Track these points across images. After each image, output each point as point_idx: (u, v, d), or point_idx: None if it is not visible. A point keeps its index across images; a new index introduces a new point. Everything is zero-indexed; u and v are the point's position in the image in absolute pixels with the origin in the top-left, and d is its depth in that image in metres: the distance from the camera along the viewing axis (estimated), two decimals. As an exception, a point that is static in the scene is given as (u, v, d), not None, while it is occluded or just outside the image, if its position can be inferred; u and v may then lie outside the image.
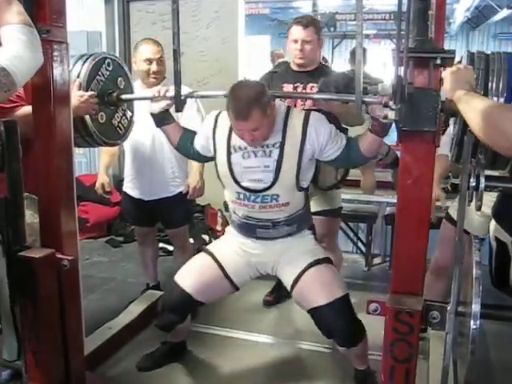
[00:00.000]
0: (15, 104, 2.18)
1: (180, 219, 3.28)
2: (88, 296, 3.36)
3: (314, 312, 2.30)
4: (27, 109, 2.18)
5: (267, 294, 3.44)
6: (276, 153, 2.24)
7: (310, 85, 2.76)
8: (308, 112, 2.28)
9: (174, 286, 2.44)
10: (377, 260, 4.46)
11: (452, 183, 2.74)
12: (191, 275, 2.44)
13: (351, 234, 4.60)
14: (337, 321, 2.26)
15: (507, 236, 1.80)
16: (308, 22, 2.84)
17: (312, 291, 2.31)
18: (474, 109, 1.36)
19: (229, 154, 2.30)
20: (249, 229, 2.41)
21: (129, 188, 3.28)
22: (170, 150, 3.06)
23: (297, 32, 2.83)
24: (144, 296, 3.28)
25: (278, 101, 2.33)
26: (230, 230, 2.55)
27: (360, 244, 4.59)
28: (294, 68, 2.91)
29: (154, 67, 2.97)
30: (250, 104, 2.09)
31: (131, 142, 3.03)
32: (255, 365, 2.82)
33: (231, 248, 2.49)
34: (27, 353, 2.03)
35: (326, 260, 2.41)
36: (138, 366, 2.71)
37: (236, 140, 2.28)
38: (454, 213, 2.58)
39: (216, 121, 2.36)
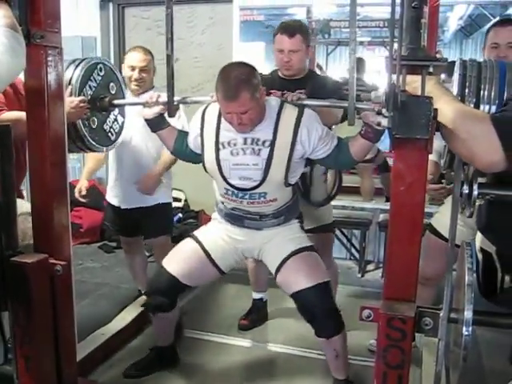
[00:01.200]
0: None
1: (155, 229, 3.17)
2: (81, 301, 3.34)
3: (297, 295, 2.35)
4: (10, 114, 2.18)
5: (242, 317, 3.32)
6: (265, 152, 2.23)
7: (298, 91, 2.57)
8: (301, 109, 2.25)
9: (161, 271, 2.50)
10: (370, 266, 4.48)
11: None
12: (178, 260, 2.49)
13: (345, 241, 4.60)
14: (319, 303, 2.30)
15: (492, 246, 1.81)
16: (295, 29, 2.70)
17: (295, 276, 2.36)
18: (440, 113, 1.39)
19: (217, 150, 2.29)
20: (237, 218, 2.44)
21: (109, 196, 3.27)
22: (151, 158, 3.05)
23: (283, 41, 2.70)
24: (137, 302, 3.27)
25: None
26: (217, 217, 2.56)
27: (354, 250, 4.60)
28: (282, 76, 2.81)
29: (135, 74, 2.97)
30: (239, 84, 2.08)
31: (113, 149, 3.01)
32: (246, 370, 2.83)
33: (217, 234, 2.51)
34: (19, 358, 2.02)
35: (311, 248, 2.46)
36: (125, 373, 2.71)
37: (224, 136, 2.28)
38: (437, 224, 2.58)
39: (203, 116, 2.36)
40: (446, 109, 1.39)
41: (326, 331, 2.34)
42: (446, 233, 2.48)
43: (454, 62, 1.98)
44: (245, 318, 3.31)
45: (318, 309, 2.30)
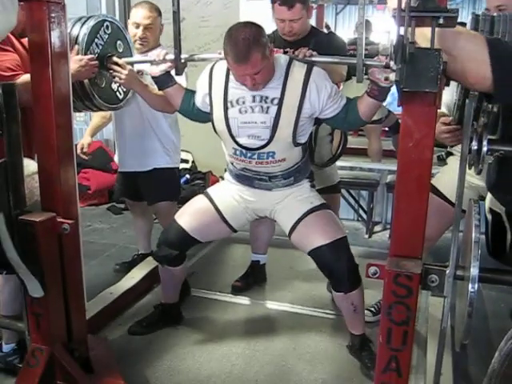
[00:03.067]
0: (15, 72, 2.15)
1: (155, 195, 3.09)
2: (89, 262, 3.39)
3: (315, 252, 2.36)
4: (27, 77, 2.15)
5: (237, 279, 3.27)
6: (274, 110, 2.22)
7: (302, 48, 2.50)
8: (310, 67, 2.22)
9: (172, 223, 2.54)
10: (378, 227, 4.49)
11: (448, 151, 2.68)
12: (189, 214, 2.52)
13: (352, 202, 4.60)
14: (337, 259, 2.31)
15: (501, 206, 1.80)
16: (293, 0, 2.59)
17: (312, 234, 2.37)
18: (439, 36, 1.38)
19: (226, 109, 2.28)
20: (246, 179, 2.45)
21: (115, 156, 3.25)
22: (146, 122, 2.96)
23: (282, 12, 2.62)
24: (145, 262, 3.30)
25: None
26: (228, 177, 2.58)
27: (361, 211, 4.60)
28: (284, 37, 2.72)
29: (139, 32, 2.87)
30: (249, 46, 2.05)
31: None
32: (252, 328, 2.86)
33: (229, 194, 2.54)
34: (30, 315, 2.06)
35: (324, 206, 2.46)
36: (130, 330, 2.74)
37: (233, 94, 2.26)
38: (438, 184, 2.49)
39: (211, 75, 2.34)
40: (444, 31, 1.37)
41: (344, 286, 2.35)
42: (447, 192, 2.45)
43: (464, 24, 1.93)
44: (239, 279, 3.27)
45: (336, 265, 2.31)
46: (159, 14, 2.94)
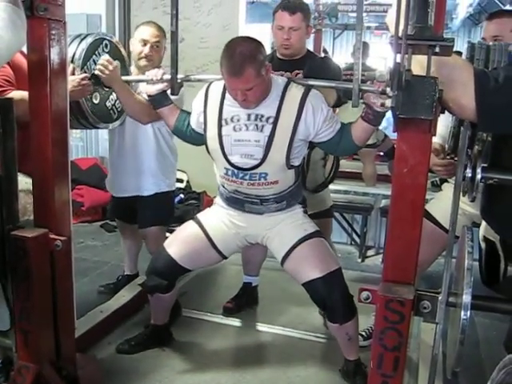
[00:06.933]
0: (3, 89, 2.15)
1: (150, 219, 3.00)
2: (81, 279, 3.37)
3: (309, 285, 2.32)
4: (16, 93, 2.15)
5: (228, 301, 3.22)
6: (268, 129, 2.21)
7: (296, 72, 2.60)
8: (307, 89, 2.23)
9: (161, 252, 2.49)
10: (371, 252, 4.48)
11: (441, 178, 2.69)
12: (179, 243, 2.47)
13: (346, 226, 4.60)
14: (331, 293, 2.28)
15: (495, 234, 1.80)
16: (296, 7, 2.64)
17: (305, 265, 2.33)
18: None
19: (220, 126, 2.27)
20: (237, 202, 2.41)
21: (107, 180, 3.19)
22: (147, 145, 2.91)
23: (283, 18, 2.64)
24: (136, 281, 3.27)
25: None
26: (219, 201, 2.54)
27: (354, 235, 4.60)
28: (280, 56, 2.74)
29: (146, 49, 2.81)
30: (244, 61, 2.05)
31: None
32: (242, 351, 2.83)
33: (219, 219, 2.49)
34: (18, 332, 2.03)
35: (317, 234, 2.42)
36: (118, 349, 2.71)
37: (228, 112, 2.26)
38: (432, 210, 2.49)
39: (207, 93, 2.34)
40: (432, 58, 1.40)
41: (338, 318, 2.33)
42: (440, 218, 2.45)
43: (460, 53, 1.97)
44: (230, 301, 3.24)
45: (330, 298, 2.28)
46: (165, 35, 2.89)
